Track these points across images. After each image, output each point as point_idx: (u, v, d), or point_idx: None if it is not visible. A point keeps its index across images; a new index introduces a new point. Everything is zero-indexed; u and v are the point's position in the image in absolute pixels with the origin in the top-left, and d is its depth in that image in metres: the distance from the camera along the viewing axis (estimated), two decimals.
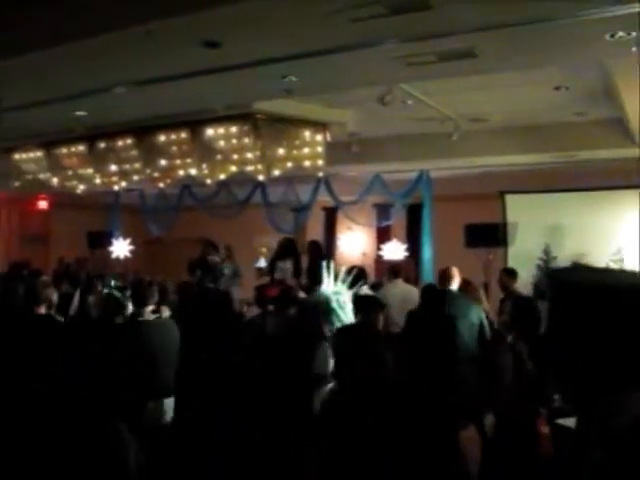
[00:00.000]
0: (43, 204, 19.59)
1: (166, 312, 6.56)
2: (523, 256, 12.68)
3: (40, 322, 6.12)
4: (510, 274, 9.04)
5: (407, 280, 9.41)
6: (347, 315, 6.46)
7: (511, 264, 12.62)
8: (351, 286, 6.78)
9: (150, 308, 6.16)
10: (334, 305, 6.50)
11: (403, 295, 8.54)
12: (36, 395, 3.25)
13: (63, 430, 3.03)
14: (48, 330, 5.95)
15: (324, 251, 11.61)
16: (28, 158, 13.14)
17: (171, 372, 6.16)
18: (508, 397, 4.58)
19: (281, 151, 10.42)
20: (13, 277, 9.59)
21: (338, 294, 6.64)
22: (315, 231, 16.65)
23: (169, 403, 6.06)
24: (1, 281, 9.43)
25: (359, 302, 6.42)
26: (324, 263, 6.98)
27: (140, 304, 6.15)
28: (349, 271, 7.11)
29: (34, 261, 13.55)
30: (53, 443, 2.99)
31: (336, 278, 6.79)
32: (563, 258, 12.35)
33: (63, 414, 3.11)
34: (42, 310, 6.21)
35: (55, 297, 6.61)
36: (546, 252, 12.47)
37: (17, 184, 13.94)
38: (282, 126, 10.13)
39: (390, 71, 7.25)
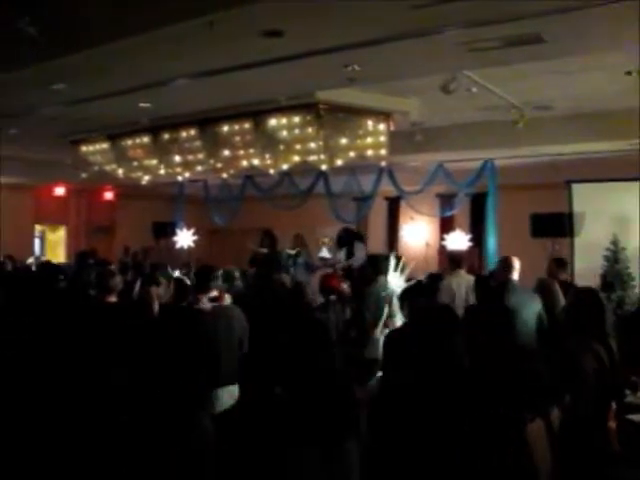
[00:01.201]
0: (109, 195, 19.96)
1: (227, 299, 6.57)
2: (590, 247, 12.42)
3: (112, 311, 6.18)
4: (560, 264, 8.78)
5: (471, 271, 9.28)
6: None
7: (577, 255, 12.40)
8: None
9: (210, 295, 6.20)
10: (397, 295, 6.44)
11: (466, 285, 8.42)
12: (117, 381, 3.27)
13: (144, 417, 3.05)
14: (121, 318, 6.01)
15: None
16: (95, 150, 13.37)
17: (233, 359, 6.16)
18: (578, 392, 4.45)
19: (344, 141, 10.36)
20: (83, 266, 9.75)
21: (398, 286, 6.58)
22: (377, 221, 16.59)
23: (233, 390, 6.09)
24: (73, 270, 9.63)
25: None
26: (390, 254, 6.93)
27: (201, 290, 6.20)
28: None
29: (100, 251, 13.79)
30: (133, 428, 3.02)
31: (396, 269, 6.70)
32: (631, 249, 12.06)
33: (144, 401, 3.13)
34: (111, 298, 6.29)
35: (121, 286, 6.72)
36: (614, 243, 12.16)
37: (84, 175, 14.21)
38: (345, 115, 10.06)
39: (454, 58, 7.14)
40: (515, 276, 7.03)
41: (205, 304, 6.21)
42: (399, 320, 6.40)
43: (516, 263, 7.09)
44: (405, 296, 5.85)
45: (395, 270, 6.75)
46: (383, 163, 11.55)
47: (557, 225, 12.37)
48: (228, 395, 5.99)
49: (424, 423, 3.28)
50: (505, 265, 7.15)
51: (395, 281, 6.65)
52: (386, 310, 6.78)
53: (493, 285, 7.16)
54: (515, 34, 6.22)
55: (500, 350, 5.14)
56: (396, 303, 6.46)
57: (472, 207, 14.51)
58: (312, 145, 10.50)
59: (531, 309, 6.57)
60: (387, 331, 6.29)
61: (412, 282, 6.65)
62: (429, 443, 3.23)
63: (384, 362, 5.28)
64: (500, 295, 6.65)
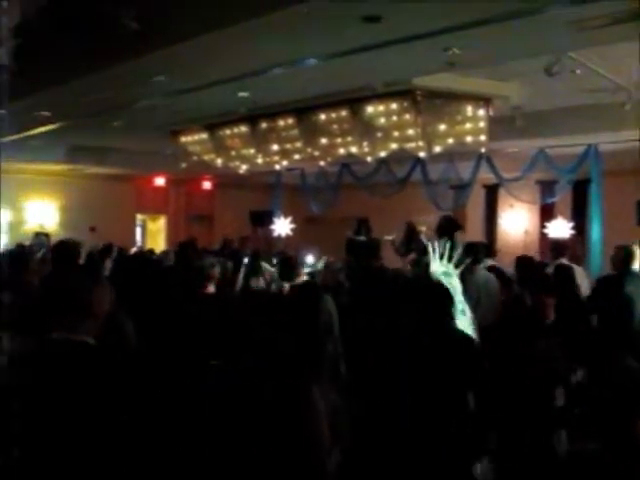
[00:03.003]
0: (207, 184, 20.30)
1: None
2: None
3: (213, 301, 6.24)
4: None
5: (573, 259, 8.98)
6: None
7: None
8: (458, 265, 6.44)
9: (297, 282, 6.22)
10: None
11: None
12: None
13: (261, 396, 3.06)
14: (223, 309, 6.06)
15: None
16: (194, 140, 13.61)
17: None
18: None
19: (442, 127, 10.22)
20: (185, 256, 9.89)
21: (448, 275, 6.30)
22: (475, 209, 16.32)
23: None
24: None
25: None
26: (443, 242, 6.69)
27: (286, 279, 6.22)
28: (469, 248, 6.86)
29: (199, 240, 14.01)
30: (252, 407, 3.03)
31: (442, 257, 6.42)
32: None
33: (261, 382, 3.13)
34: (210, 288, 6.36)
35: (219, 275, 6.79)
36: None
37: (184, 165, 14.48)
38: (443, 101, 9.92)
39: (559, 38, 6.88)
40: (636, 266, 6.79)
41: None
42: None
43: (637, 252, 6.86)
44: None
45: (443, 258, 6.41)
46: (482, 149, 11.32)
47: None
48: None
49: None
50: (627, 254, 6.90)
51: (440, 269, 6.32)
52: None
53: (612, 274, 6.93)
54: (626, 9, 5.93)
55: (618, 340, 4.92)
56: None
57: (574, 194, 14.08)
58: (410, 132, 10.39)
59: None
60: None
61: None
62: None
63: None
64: (619, 284, 6.41)
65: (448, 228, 11.07)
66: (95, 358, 3.08)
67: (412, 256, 11.57)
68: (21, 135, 12.28)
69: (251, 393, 3.10)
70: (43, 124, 11.98)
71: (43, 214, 18.67)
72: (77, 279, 3.31)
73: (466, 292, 5.70)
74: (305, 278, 6.46)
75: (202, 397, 3.25)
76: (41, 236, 15.46)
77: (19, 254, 8.25)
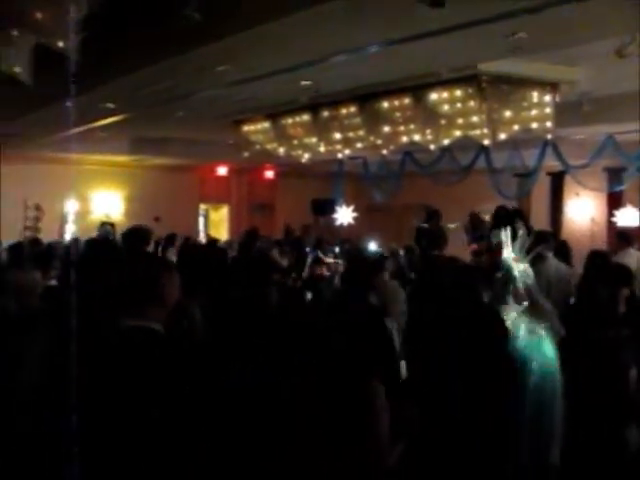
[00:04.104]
0: (269, 173, 20.37)
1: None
2: None
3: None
4: None
5: None
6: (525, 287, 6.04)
7: None
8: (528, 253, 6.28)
9: None
10: (515, 274, 6.09)
11: (636, 264, 7.92)
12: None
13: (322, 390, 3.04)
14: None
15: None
16: (256, 129, 13.64)
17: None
18: None
19: (507, 113, 10.03)
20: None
21: (518, 262, 6.17)
22: (540, 197, 16.06)
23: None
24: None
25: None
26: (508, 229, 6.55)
27: None
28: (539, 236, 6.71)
29: (261, 229, 14.07)
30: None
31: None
32: None
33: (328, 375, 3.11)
34: (276, 277, 6.36)
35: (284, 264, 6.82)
36: None
37: (246, 155, 14.53)
38: (508, 87, 9.74)
39: (633, 18, 6.66)
40: None
41: None
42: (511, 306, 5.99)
43: None
44: None
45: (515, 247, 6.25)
46: (548, 136, 11.08)
47: None
48: None
49: None
50: None
51: (512, 257, 6.17)
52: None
53: None
54: None
55: None
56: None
57: None
58: (474, 119, 10.23)
59: None
60: None
61: None
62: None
63: None
64: None
65: (504, 218, 10.88)
66: (162, 345, 3.10)
67: (473, 246, 11.43)
68: (86, 127, 12.45)
69: (311, 387, 3.08)
70: (108, 116, 12.14)
71: (108, 204, 19.00)
72: (147, 266, 3.33)
73: (537, 281, 5.61)
74: None
75: (262, 388, 3.24)
76: (107, 226, 15.69)
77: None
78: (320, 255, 7.96)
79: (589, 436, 4.79)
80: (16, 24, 6.94)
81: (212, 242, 12.94)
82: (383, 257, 8.07)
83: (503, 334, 5.14)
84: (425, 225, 11.68)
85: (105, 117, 12.19)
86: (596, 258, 7.61)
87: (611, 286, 5.29)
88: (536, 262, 6.47)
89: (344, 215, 15.76)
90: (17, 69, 7.45)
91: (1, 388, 4.12)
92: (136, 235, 6.37)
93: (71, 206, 17.50)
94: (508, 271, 5.89)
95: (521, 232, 6.55)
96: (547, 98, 10.00)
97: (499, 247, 6.05)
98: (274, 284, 6.17)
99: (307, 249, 10.83)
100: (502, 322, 5.25)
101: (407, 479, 3.48)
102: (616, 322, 5.06)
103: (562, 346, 5.27)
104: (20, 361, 4.13)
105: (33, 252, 8.46)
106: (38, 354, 3.99)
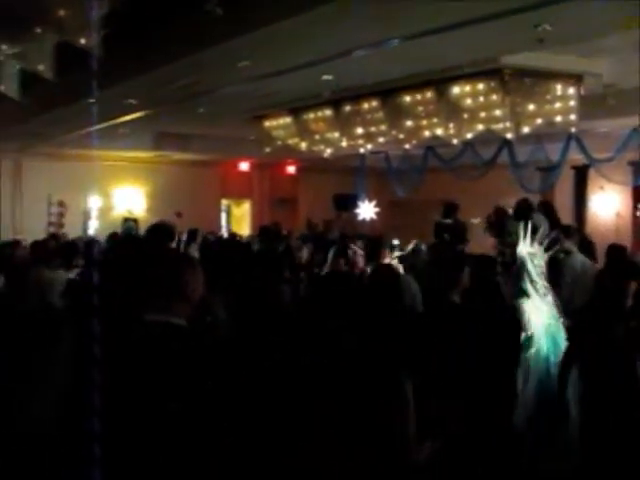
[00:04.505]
0: (291, 169, 20.36)
1: (399, 269, 6.53)
2: None
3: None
4: None
5: None
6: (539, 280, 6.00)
7: None
8: (548, 248, 6.23)
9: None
10: (529, 267, 6.05)
11: None
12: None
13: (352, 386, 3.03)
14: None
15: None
16: (277, 125, 13.63)
17: None
18: None
19: (531, 107, 9.93)
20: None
21: (534, 256, 6.13)
22: (564, 191, 15.91)
23: None
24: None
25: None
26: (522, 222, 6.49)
27: (371, 259, 6.22)
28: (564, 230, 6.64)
29: (283, 224, 14.08)
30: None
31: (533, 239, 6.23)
32: None
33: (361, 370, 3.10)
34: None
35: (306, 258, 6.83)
36: None
37: (268, 150, 14.53)
38: (532, 80, 9.65)
39: None
40: None
41: None
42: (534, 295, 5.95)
43: None
44: None
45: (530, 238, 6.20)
46: (572, 129, 10.98)
47: None
48: None
49: None
50: None
51: (526, 250, 6.12)
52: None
53: None
54: None
55: None
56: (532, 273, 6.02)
57: None
58: (497, 112, 10.15)
59: None
60: None
61: None
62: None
63: None
64: None
65: (525, 211, 10.79)
66: (186, 341, 3.10)
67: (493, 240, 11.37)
68: (109, 123, 12.51)
69: (335, 384, 3.06)
70: (130, 112, 12.19)
71: (131, 200, 19.09)
72: (171, 262, 3.34)
73: (564, 275, 5.59)
74: (392, 261, 6.40)
75: (284, 384, 3.23)
76: (130, 222, 15.80)
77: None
78: (354, 249, 7.91)
79: (599, 424, 4.83)
80: (39, 22, 6.99)
81: (233, 237, 12.98)
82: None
83: (517, 327, 5.19)
84: (449, 220, 11.63)
85: (127, 113, 12.24)
86: (613, 252, 7.58)
87: (619, 280, 5.32)
88: (563, 257, 6.45)
89: (366, 210, 15.70)
90: (41, 67, 7.51)
91: (26, 386, 4.17)
92: (160, 231, 6.38)
93: (94, 202, 17.60)
94: (523, 264, 5.90)
95: (543, 226, 6.52)
96: (571, 91, 9.89)
97: (517, 240, 6.04)
98: (295, 280, 6.19)
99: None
100: (517, 316, 5.28)
101: (438, 476, 3.46)
102: (623, 315, 5.07)
103: (572, 337, 5.33)
104: (45, 357, 4.16)
105: (56, 248, 8.56)
106: (64, 350, 4.02)
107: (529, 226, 6.10)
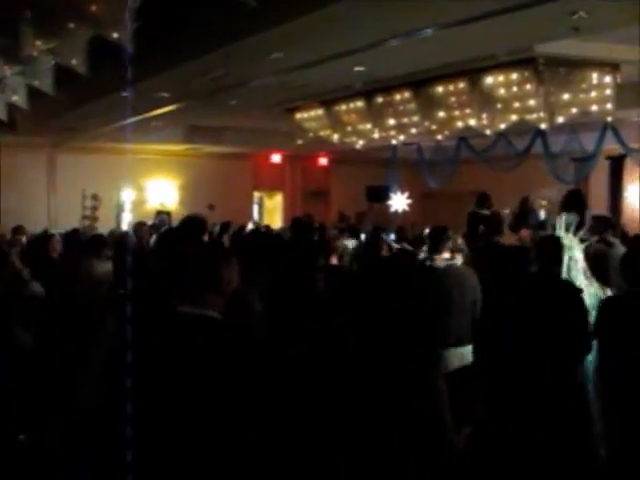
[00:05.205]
0: (323, 160, 20.34)
1: (459, 260, 6.47)
2: None
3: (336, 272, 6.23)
4: None
5: None
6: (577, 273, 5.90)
7: None
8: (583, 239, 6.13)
9: (444, 256, 6.15)
10: (576, 256, 5.97)
11: None
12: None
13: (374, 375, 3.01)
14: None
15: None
16: (309, 117, 13.61)
17: (465, 321, 6.03)
18: None
19: (566, 96, 9.80)
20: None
21: (571, 249, 6.03)
22: (599, 182, 15.72)
23: (463, 352, 5.92)
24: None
25: None
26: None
27: (434, 251, 6.18)
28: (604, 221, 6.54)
29: (315, 216, 14.08)
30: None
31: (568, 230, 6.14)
32: None
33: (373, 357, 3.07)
34: (334, 261, 6.36)
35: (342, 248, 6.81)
36: None
37: (300, 142, 14.53)
38: (567, 69, 9.51)
39: None
40: None
41: (440, 263, 6.21)
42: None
43: None
44: None
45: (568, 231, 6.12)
46: (608, 119, 10.82)
47: None
48: (458, 357, 5.84)
49: None
50: None
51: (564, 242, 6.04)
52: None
53: None
54: None
55: None
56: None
57: None
58: (531, 102, 10.04)
59: None
60: None
61: None
62: None
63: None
64: None
65: (574, 202, 10.67)
66: (219, 334, 3.09)
67: (525, 232, 11.26)
68: (142, 117, 12.58)
69: (370, 373, 3.04)
70: (162, 105, 12.24)
71: (164, 193, 19.22)
72: (207, 254, 3.34)
73: (609, 266, 5.53)
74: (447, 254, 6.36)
75: (319, 374, 3.21)
76: (162, 214, 15.88)
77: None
78: (386, 240, 7.88)
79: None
80: (73, 17, 7.01)
81: (261, 229, 13.01)
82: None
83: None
84: (486, 211, 11.53)
85: (160, 107, 12.29)
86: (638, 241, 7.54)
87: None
88: (605, 248, 6.36)
89: (399, 202, 15.63)
90: (74, 61, 7.54)
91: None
92: (193, 224, 6.40)
93: (127, 195, 17.74)
94: (570, 256, 5.83)
95: (576, 217, 6.45)
96: (607, 79, 9.73)
97: (567, 230, 5.97)
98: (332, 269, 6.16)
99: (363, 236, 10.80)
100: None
101: (477, 463, 3.43)
102: None
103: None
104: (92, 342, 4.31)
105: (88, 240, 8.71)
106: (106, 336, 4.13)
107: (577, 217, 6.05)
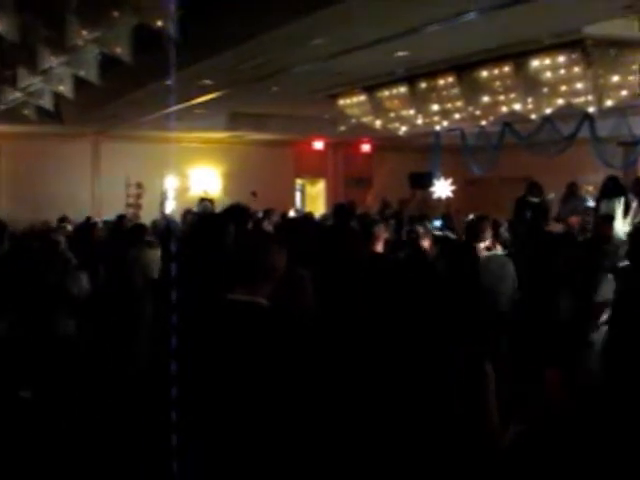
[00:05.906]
0: (366, 147, 20.25)
1: (499, 248, 6.45)
2: None
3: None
4: None
5: None
6: None
7: None
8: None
9: (483, 244, 6.12)
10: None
11: None
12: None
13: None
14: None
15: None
16: (352, 103, 13.53)
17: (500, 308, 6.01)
18: None
19: (615, 79, 9.60)
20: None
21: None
22: None
23: None
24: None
25: None
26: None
27: (474, 239, 6.15)
28: None
29: (358, 203, 14.02)
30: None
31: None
32: None
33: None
34: (378, 248, 6.33)
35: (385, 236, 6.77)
36: None
37: (342, 129, 14.47)
38: (616, 51, 9.30)
39: None
40: None
41: (480, 252, 6.16)
42: None
43: None
44: None
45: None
46: None
47: None
48: None
49: None
50: None
51: (624, 229, 5.96)
52: None
53: None
54: None
55: None
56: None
57: None
58: (579, 86, 9.86)
59: None
60: None
61: None
62: None
63: None
64: None
65: (613, 189, 10.46)
66: (268, 320, 3.09)
67: (574, 218, 11.10)
68: (185, 104, 12.62)
69: (420, 367, 3.00)
70: (205, 93, 12.27)
71: (207, 180, 19.30)
72: (256, 242, 3.33)
73: None
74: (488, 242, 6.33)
75: (370, 365, 3.18)
76: (206, 202, 15.94)
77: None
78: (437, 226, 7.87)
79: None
80: (117, 6, 7.05)
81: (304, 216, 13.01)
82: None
83: None
84: (536, 199, 11.39)
85: (202, 94, 12.33)
86: None
87: None
88: None
89: (442, 188, 15.50)
90: (119, 50, 7.58)
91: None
92: (236, 212, 6.43)
93: (171, 183, 17.85)
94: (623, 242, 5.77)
95: (634, 204, 6.34)
96: None
97: (609, 218, 5.87)
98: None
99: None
100: None
101: (522, 461, 3.37)
102: None
103: None
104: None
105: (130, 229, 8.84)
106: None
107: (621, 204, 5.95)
